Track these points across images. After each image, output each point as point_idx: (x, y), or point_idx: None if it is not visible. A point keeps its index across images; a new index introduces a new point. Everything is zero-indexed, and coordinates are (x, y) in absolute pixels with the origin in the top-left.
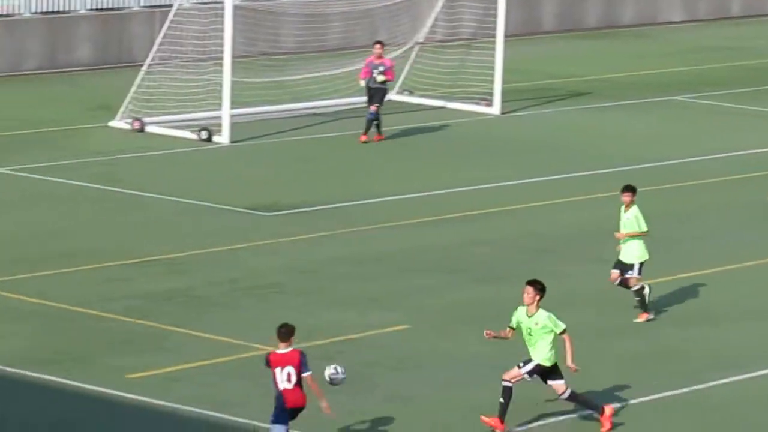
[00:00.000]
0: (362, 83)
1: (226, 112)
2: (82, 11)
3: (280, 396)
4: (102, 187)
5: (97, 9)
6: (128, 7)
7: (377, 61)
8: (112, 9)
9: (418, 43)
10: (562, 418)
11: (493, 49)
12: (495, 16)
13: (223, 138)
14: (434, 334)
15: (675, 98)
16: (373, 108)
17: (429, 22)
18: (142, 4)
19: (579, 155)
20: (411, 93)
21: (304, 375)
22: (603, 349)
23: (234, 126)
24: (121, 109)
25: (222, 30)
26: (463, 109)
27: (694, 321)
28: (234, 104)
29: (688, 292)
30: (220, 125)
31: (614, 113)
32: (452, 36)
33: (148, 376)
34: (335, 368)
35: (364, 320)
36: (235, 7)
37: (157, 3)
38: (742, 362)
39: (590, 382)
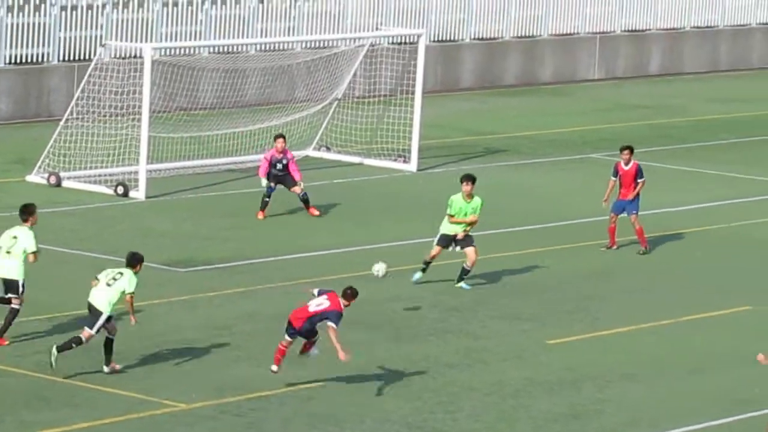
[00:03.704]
0: (264, 182)
1: (142, 167)
2: (1, 65)
3: None
4: None
5: (16, 63)
6: (48, 62)
7: (279, 156)
8: (31, 63)
9: (336, 99)
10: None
11: (411, 105)
12: (413, 72)
13: (139, 193)
14: (348, 391)
15: (592, 156)
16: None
17: (347, 78)
18: (61, 58)
19: (494, 213)
20: (328, 149)
21: None
22: (518, 407)
23: (150, 181)
24: (38, 164)
25: (140, 85)
26: (380, 165)
27: (612, 379)
28: (151, 159)
29: (607, 350)
30: (136, 180)
31: (532, 171)
32: (371, 92)
33: None
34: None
35: (279, 377)
36: (154, 62)
37: (77, 57)
38: (658, 421)
39: None
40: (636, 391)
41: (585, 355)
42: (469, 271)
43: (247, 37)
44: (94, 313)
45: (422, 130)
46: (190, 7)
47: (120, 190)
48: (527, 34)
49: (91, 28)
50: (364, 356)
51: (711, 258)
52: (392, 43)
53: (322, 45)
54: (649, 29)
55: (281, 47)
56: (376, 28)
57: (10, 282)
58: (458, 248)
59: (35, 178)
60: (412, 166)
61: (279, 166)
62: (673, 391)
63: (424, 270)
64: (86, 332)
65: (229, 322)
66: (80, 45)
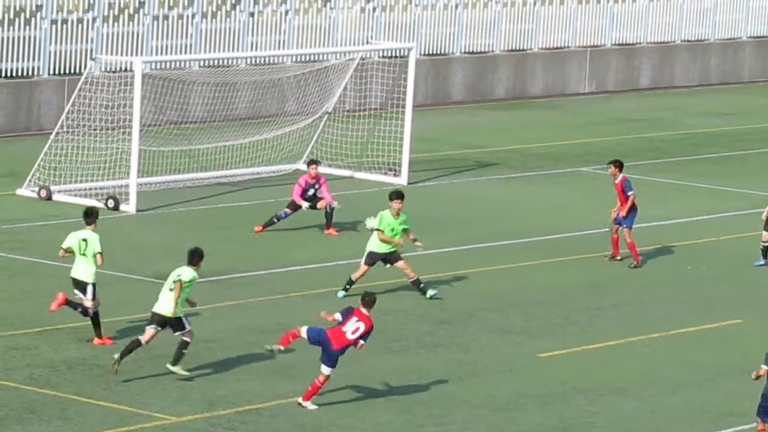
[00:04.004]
0: (305, 205)
1: (133, 181)
2: None
3: None
4: (7, 255)
5: (6, 76)
6: (38, 75)
7: (312, 181)
8: (21, 76)
9: (327, 113)
10: None
11: (402, 119)
12: (404, 86)
13: (129, 206)
14: (339, 404)
15: (583, 170)
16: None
17: (338, 91)
18: (51, 71)
19: (485, 226)
20: (319, 163)
21: None
22: (509, 420)
23: (141, 194)
24: (28, 177)
25: (131, 98)
26: (371, 179)
27: (603, 392)
28: (141, 173)
29: (597, 363)
30: (127, 194)
31: (522, 184)
32: (361, 106)
33: None
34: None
35: (270, 390)
36: (144, 76)
37: (67, 71)
38: None
39: None
40: (627, 404)
41: (576, 368)
42: (417, 280)
43: (238, 50)
44: (166, 321)
45: (413, 144)
46: (180, 21)
47: (110, 203)
48: (517, 48)
49: (82, 42)
50: (354, 369)
51: (701, 271)
52: (383, 56)
53: (312, 59)
54: (640, 43)
55: (272, 61)
56: (367, 42)
57: (81, 283)
58: (388, 265)
59: (26, 191)
60: (403, 179)
61: (311, 191)
62: (663, 403)
63: (346, 289)
64: (187, 334)
65: (220, 335)
66: (71, 58)
